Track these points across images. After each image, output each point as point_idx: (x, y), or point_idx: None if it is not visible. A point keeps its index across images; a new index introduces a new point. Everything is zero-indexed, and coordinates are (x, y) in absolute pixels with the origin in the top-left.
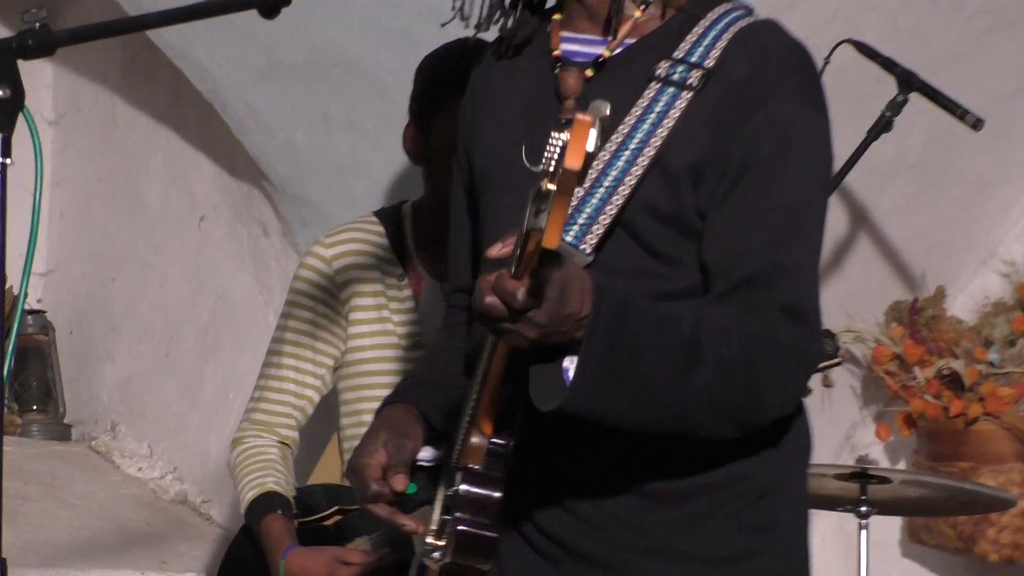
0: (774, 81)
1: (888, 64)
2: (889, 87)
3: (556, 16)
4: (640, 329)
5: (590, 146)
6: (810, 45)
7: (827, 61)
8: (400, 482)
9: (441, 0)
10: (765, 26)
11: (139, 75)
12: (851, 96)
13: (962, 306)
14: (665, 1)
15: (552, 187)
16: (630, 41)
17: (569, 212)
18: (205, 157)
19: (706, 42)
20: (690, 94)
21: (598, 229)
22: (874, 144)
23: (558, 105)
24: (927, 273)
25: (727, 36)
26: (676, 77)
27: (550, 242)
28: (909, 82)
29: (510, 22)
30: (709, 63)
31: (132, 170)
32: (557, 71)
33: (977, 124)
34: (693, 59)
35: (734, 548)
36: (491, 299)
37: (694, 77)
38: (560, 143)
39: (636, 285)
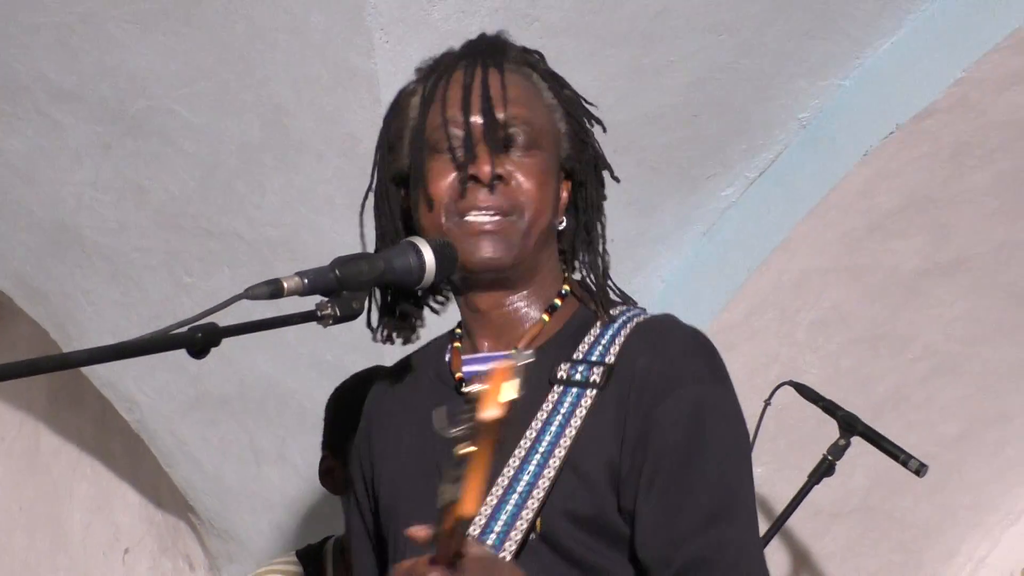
0: (677, 366)
1: (830, 407)
2: (831, 430)
3: (456, 344)
4: None
5: (509, 394)
6: (750, 386)
7: (768, 403)
8: None
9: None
10: (662, 318)
11: (65, 403)
12: (792, 438)
13: None
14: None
15: (468, 449)
16: (530, 349)
17: (484, 518)
18: (130, 488)
19: (604, 341)
20: (594, 391)
21: (516, 535)
22: (816, 487)
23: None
24: None
25: (624, 332)
26: (578, 377)
27: (468, 509)
28: (851, 425)
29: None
30: (610, 359)
31: (55, 500)
32: (464, 389)
33: (920, 469)
34: (593, 358)
35: None
36: None
37: (596, 374)
38: (475, 398)
39: None
